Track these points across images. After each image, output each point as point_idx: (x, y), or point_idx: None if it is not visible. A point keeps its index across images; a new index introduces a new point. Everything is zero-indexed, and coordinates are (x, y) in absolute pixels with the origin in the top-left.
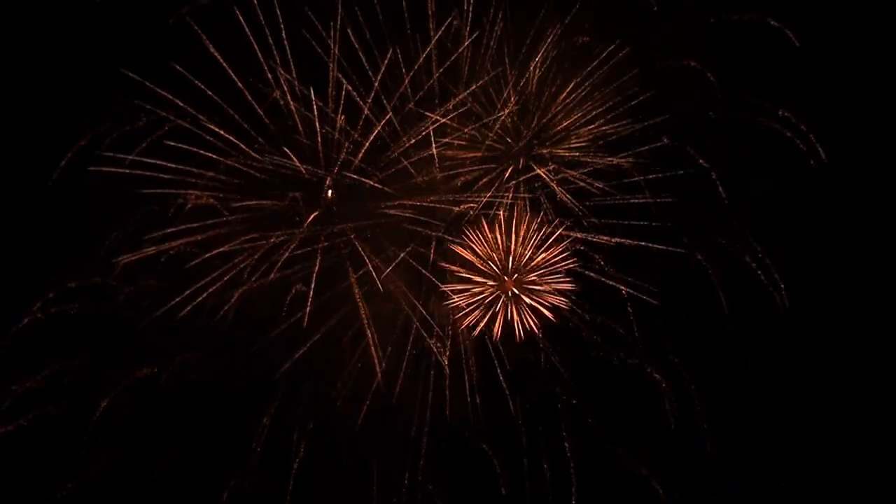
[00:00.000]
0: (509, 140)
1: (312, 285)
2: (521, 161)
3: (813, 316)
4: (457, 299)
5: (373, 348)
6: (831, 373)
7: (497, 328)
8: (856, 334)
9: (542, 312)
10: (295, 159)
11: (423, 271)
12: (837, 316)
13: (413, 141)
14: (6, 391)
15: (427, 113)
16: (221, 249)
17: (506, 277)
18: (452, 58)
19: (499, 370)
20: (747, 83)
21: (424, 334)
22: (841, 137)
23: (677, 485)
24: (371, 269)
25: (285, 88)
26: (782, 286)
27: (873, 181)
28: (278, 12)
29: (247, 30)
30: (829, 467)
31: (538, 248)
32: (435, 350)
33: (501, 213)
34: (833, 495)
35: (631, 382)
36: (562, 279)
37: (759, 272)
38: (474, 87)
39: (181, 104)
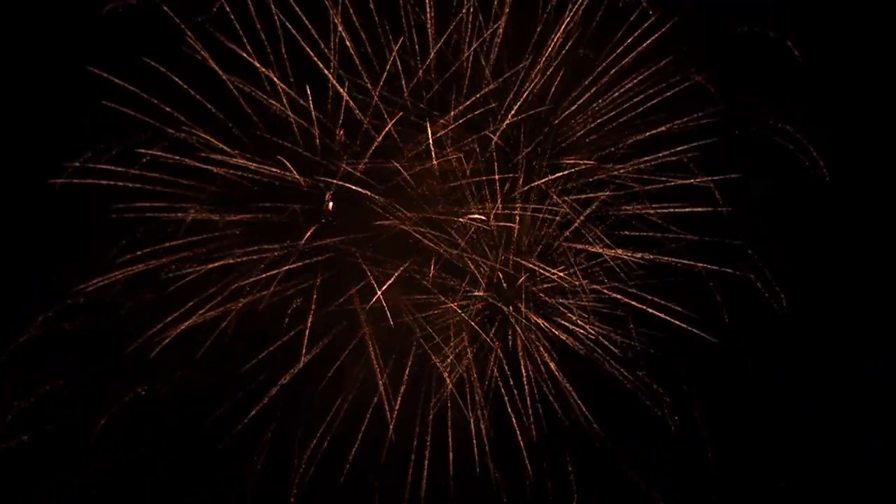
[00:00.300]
0: (507, 149)
1: (314, 298)
2: (522, 172)
3: (813, 316)
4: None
5: (374, 361)
6: (831, 373)
7: (491, 366)
8: (856, 334)
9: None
10: (294, 171)
11: (424, 282)
12: (837, 316)
13: (412, 154)
14: (7, 407)
15: (427, 124)
16: (221, 263)
17: (504, 282)
18: (453, 69)
19: (502, 388)
20: (748, 94)
21: (426, 346)
22: (841, 141)
23: (677, 485)
24: (372, 282)
25: (284, 101)
26: (783, 297)
27: (873, 183)
28: (277, 23)
29: (246, 42)
30: (829, 467)
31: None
32: (437, 361)
33: (494, 221)
34: (833, 495)
35: (629, 387)
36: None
37: (759, 284)
38: (473, 98)
39: (181, 117)
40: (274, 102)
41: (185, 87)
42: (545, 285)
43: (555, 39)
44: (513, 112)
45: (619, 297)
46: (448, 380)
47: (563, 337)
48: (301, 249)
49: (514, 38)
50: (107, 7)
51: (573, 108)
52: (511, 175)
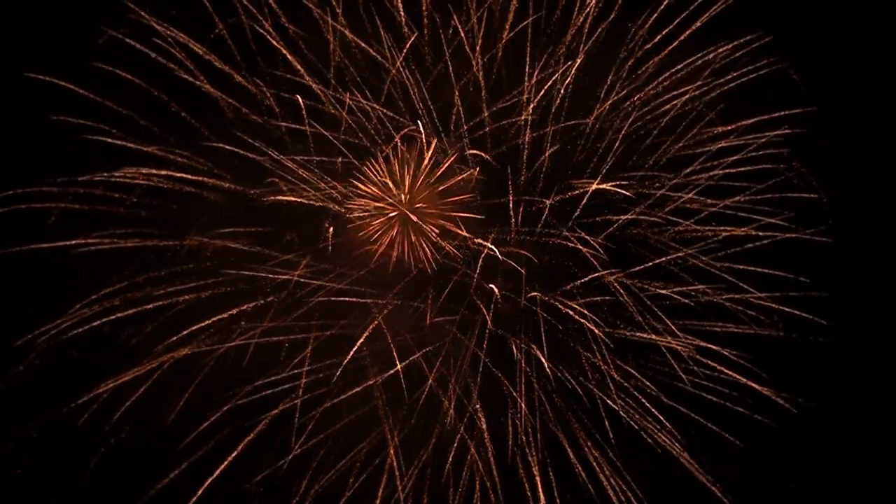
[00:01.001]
0: (504, 171)
1: (315, 323)
2: (524, 197)
3: (813, 316)
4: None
5: (375, 390)
6: (831, 373)
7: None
8: (856, 335)
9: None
10: (291, 195)
11: (424, 308)
12: (837, 317)
13: (411, 180)
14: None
15: (427, 149)
16: (220, 291)
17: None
18: (455, 91)
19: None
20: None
21: (428, 373)
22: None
23: (677, 485)
24: (372, 308)
25: (283, 129)
26: (777, 318)
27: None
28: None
29: (243, 66)
30: (829, 467)
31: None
32: (437, 388)
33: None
34: (833, 495)
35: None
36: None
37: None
38: (474, 121)
39: (178, 147)
40: (273, 124)
41: (184, 115)
42: (550, 306)
43: (554, 60)
44: (510, 136)
45: (619, 322)
46: (449, 406)
47: (566, 370)
48: (299, 276)
49: (514, 59)
50: (103, 38)
51: (575, 132)
52: (513, 198)
